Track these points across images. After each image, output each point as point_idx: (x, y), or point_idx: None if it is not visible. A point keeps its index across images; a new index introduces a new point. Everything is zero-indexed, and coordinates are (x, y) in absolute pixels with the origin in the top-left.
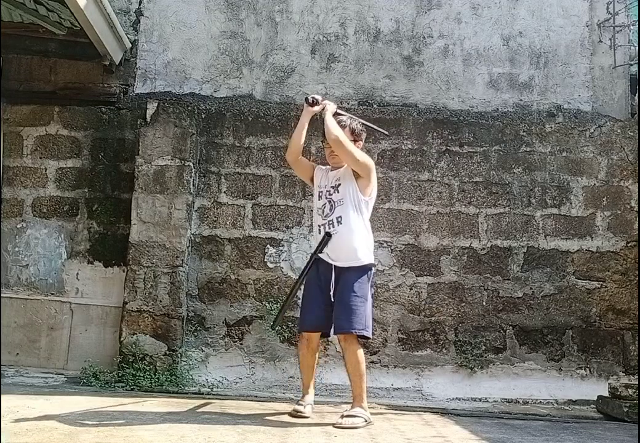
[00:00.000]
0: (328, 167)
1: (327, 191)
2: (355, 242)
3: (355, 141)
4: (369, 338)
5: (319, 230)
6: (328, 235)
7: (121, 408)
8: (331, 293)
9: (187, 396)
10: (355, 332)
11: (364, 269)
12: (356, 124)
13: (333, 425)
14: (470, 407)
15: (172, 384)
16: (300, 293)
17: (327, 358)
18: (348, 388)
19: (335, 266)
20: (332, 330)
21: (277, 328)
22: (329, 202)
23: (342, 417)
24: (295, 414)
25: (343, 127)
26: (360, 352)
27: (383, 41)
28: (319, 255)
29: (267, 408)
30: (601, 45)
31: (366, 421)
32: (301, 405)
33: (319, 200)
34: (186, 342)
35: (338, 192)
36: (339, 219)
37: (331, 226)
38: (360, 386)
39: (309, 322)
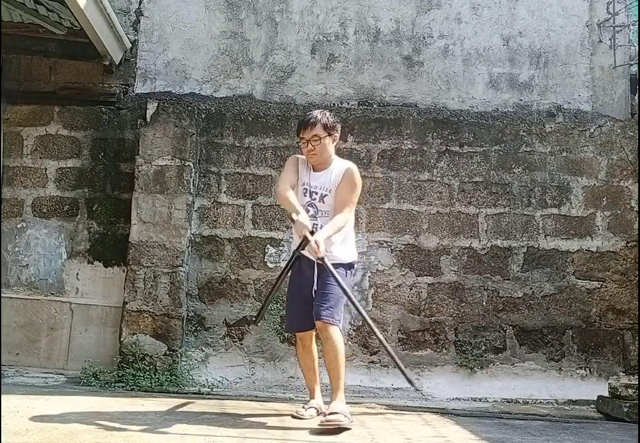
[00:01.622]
0: (308, 162)
1: (313, 192)
2: (335, 247)
3: (329, 135)
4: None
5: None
6: (311, 234)
7: (121, 408)
8: (314, 289)
9: (187, 396)
10: (331, 322)
11: (347, 266)
12: (327, 118)
13: (318, 424)
14: (470, 407)
15: (172, 384)
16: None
17: None
18: (349, 388)
19: (316, 263)
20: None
21: (259, 323)
22: (313, 207)
23: (326, 414)
24: (294, 415)
25: (314, 124)
26: (341, 342)
27: (383, 41)
28: (302, 252)
29: (267, 408)
30: (601, 45)
31: (348, 418)
32: (303, 408)
33: (304, 196)
34: (186, 342)
35: (324, 202)
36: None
37: (315, 230)
38: (339, 378)
39: (297, 322)
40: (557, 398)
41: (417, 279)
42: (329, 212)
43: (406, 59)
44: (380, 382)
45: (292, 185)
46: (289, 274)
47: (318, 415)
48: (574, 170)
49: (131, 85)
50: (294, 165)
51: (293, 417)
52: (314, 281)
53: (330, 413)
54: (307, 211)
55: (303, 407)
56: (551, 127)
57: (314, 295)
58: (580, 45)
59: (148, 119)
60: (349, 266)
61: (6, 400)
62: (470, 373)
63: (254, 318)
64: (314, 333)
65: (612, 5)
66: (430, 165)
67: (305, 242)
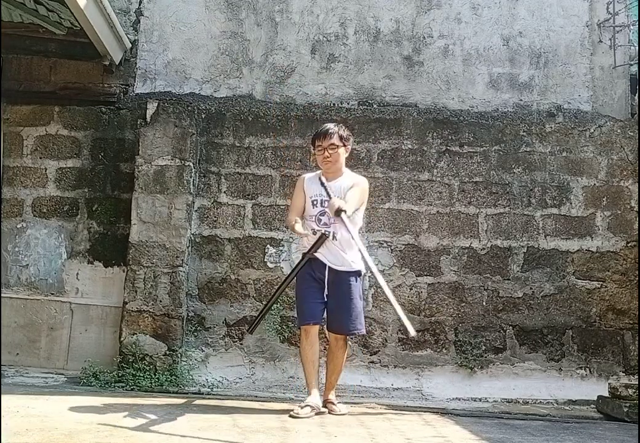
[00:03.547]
0: (318, 172)
1: (324, 201)
2: (352, 253)
3: (344, 146)
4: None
5: (314, 232)
6: (324, 236)
7: (121, 408)
8: (325, 292)
9: (187, 396)
10: (358, 332)
11: (358, 273)
12: (343, 130)
13: (329, 412)
14: (470, 407)
15: (172, 384)
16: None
17: None
18: (349, 388)
19: (329, 267)
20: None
21: (253, 333)
22: (326, 214)
23: (335, 404)
24: (292, 415)
25: (332, 134)
26: (348, 350)
27: (383, 41)
28: (315, 254)
29: (267, 408)
30: (601, 45)
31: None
32: (300, 406)
33: (313, 208)
34: (186, 342)
35: None
36: (335, 235)
37: (328, 234)
38: (338, 378)
39: (310, 316)
40: (557, 398)
41: (417, 279)
42: None
43: (406, 59)
44: (380, 382)
45: (300, 212)
46: (298, 274)
47: (315, 413)
48: (574, 170)
49: (131, 85)
50: (300, 186)
51: (290, 416)
52: (325, 285)
53: (340, 403)
54: (319, 220)
55: (300, 406)
56: (551, 127)
57: (325, 299)
58: (580, 45)
59: (148, 119)
60: (359, 273)
61: (6, 400)
62: (470, 373)
63: (249, 328)
64: (319, 327)
65: (612, 5)
66: (430, 165)
67: (319, 244)
